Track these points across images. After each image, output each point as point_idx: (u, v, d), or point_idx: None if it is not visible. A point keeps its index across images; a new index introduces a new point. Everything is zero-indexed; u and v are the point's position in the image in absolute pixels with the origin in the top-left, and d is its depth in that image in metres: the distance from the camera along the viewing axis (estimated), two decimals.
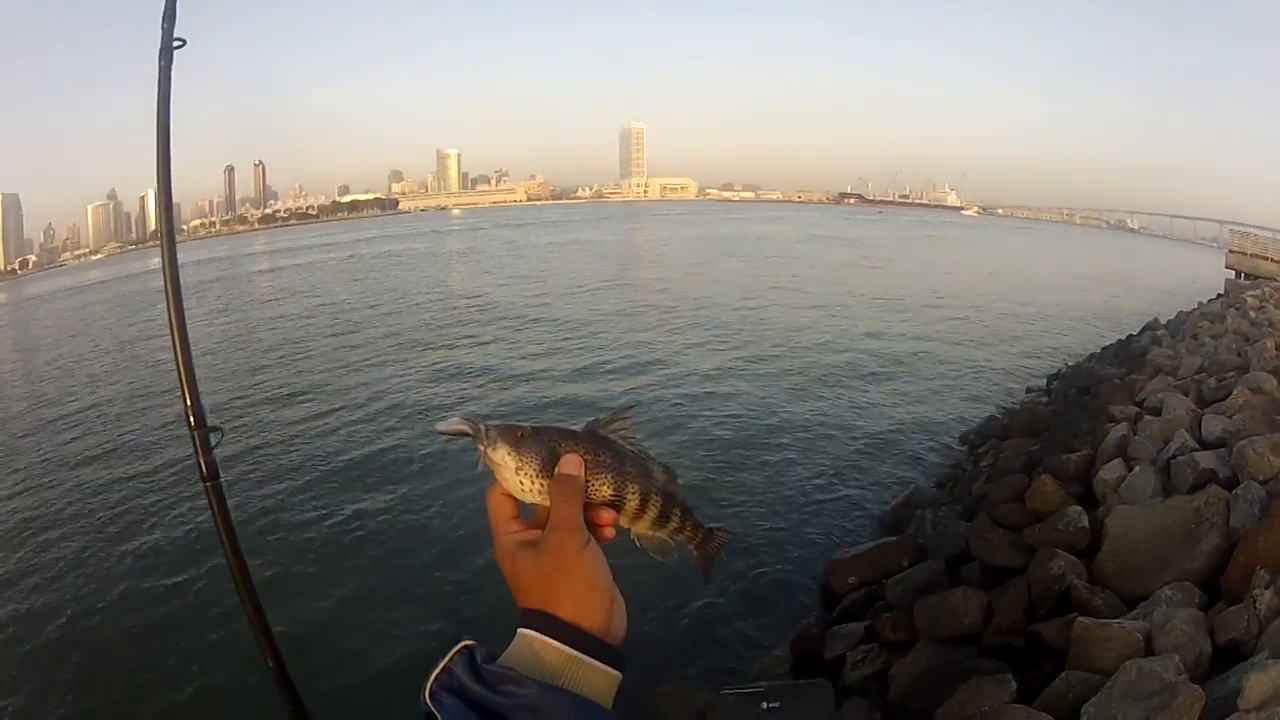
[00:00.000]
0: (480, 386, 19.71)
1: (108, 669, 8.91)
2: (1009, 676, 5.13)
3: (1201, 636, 4.72)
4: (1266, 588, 4.87)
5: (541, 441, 1.06)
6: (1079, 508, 7.58)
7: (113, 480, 14.58)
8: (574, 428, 1.11)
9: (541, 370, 21.13)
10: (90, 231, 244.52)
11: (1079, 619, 5.29)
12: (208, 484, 2.75)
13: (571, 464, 1.06)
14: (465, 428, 1.05)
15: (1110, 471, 8.44)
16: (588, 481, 1.07)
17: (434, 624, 9.14)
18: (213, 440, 2.76)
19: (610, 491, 1.09)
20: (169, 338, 2.86)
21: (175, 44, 2.97)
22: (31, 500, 13.77)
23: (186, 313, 2.88)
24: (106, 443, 17.21)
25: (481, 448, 1.05)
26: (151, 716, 8.01)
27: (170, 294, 2.84)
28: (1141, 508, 7.05)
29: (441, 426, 1.07)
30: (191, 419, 2.76)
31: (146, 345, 29.55)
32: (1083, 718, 4.25)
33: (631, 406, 1.20)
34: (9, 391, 24.77)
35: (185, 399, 2.78)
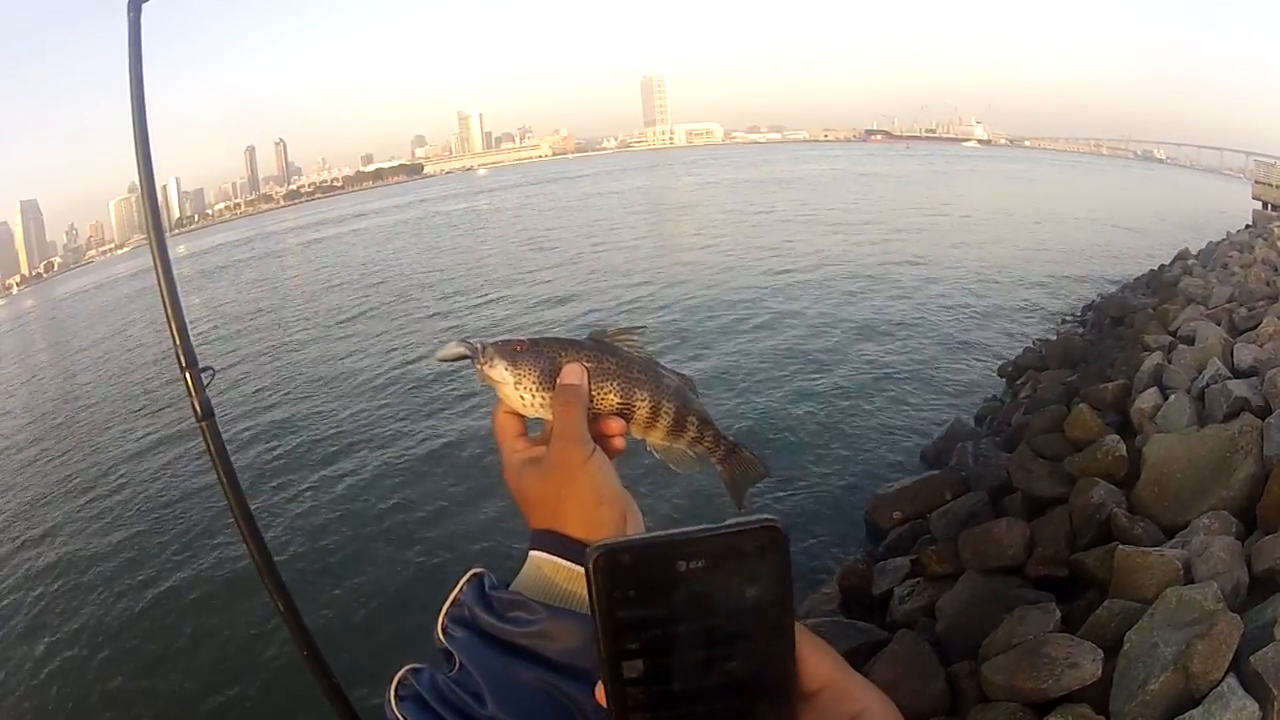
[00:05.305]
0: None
1: (118, 601, 9.41)
2: (1053, 605, 5.07)
3: (1239, 565, 4.61)
4: None
5: (540, 353, 0.99)
6: (1117, 436, 7.39)
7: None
8: (577, 338, 1.03)
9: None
10: (115, 225, 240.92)
11: (1120, 547, 5.19)
12: (202, 423, 2.64)
13: (572, 373, 0.98)
14: (463, 350, 1.00)
15: (1146, 400, 8.21)
16: (592, 390, 0.99)
17: (451, 552, 9.17)
18: (205, 380, 2.64)
19: (617, 399, 1.01)
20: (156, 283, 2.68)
21: None
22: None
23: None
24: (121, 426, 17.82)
25: (479, 367, 0.99)
26: (159, 652, 8.28)
27: (153, 236, 2.72)
28: (1178, 436, 6.86)
29: (441, 354, 1.01)
30: (181, 359, 2.65)
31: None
32: (1125, 645, 4.21)
33: (642, 327, 1.08)
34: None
35: (174, 339, 2.66)
